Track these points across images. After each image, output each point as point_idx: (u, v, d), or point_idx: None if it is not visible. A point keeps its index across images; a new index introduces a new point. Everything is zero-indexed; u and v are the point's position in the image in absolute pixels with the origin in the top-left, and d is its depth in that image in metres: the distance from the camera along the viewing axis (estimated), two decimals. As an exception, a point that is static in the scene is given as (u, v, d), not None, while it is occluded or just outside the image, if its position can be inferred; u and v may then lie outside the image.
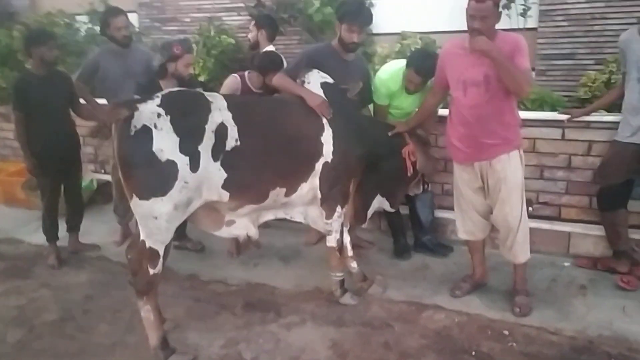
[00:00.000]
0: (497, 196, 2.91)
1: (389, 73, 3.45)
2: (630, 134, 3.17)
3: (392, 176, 3.25)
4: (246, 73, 3.51)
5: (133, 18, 6.14)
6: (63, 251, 3.94)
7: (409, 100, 3.46)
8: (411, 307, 3.10)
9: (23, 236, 4.31)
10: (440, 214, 3.88)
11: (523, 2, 4.33)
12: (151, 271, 2.53)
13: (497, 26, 2.75)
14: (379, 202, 3.34)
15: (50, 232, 3.84)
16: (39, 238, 3.97)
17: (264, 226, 3.05)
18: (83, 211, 4.08)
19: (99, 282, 3.53)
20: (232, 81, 3.52)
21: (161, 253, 2.53)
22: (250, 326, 2.95)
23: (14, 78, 5.11)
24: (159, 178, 2.40)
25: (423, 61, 3.26)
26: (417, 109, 3.41)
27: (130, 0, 6.15)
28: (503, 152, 2.82)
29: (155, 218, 2.44)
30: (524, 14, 4.28)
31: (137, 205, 2.45)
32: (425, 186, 3.64)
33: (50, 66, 3.65)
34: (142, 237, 2.52)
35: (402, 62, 3.44)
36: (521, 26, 4.31)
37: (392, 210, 3.48)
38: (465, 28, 2.73)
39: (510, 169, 2.85)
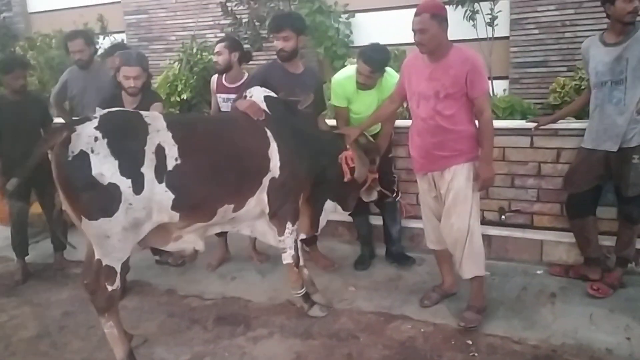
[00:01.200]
0: (445, 205, 2.92)
1: (345, 74, 3.51)
2: (594, 141, 3.17)
3: (337, 181, 3.23)
4: (224, 75, 3.75)
5: (122, 37, 6.34)
6: (49, 268, 4.04)
7: (367, 101, 3.43)
8: (379, 317, 3.12)
9: (13, 254, 4.40)
10: (416, 224, 3.87)
11: (489, 12, 4.32)
12: (109, 288, 2.55)
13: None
14: (332, 207, 3.36)
15: (19, 248, 3.94)
16: (28, 257, 4.07)
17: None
18: (66, 230, 4.16)
19: (79, 298, 3.58)
20: (212, 79, 3.89)
21: (118, 270, 2.55)
22: (218, 340, 2.99)
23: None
24: (103, 200, 2.40)
25: (372, 53, 3.30)
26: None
27: (119, 21, 6.33)
28: (454, 164, 2.84)
29: (108, 237, 2.45)
30: (491, 24, 4.27)
31: (88, 227, 2.45)
32: (394, 195, 3.63)
33: (21, 93, 3.75)
34: (97, 257, 2.54)
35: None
36: (490, 35, 4.32)
37: (347, 211, 3.51)
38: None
39: (460, 179, 2.85)
